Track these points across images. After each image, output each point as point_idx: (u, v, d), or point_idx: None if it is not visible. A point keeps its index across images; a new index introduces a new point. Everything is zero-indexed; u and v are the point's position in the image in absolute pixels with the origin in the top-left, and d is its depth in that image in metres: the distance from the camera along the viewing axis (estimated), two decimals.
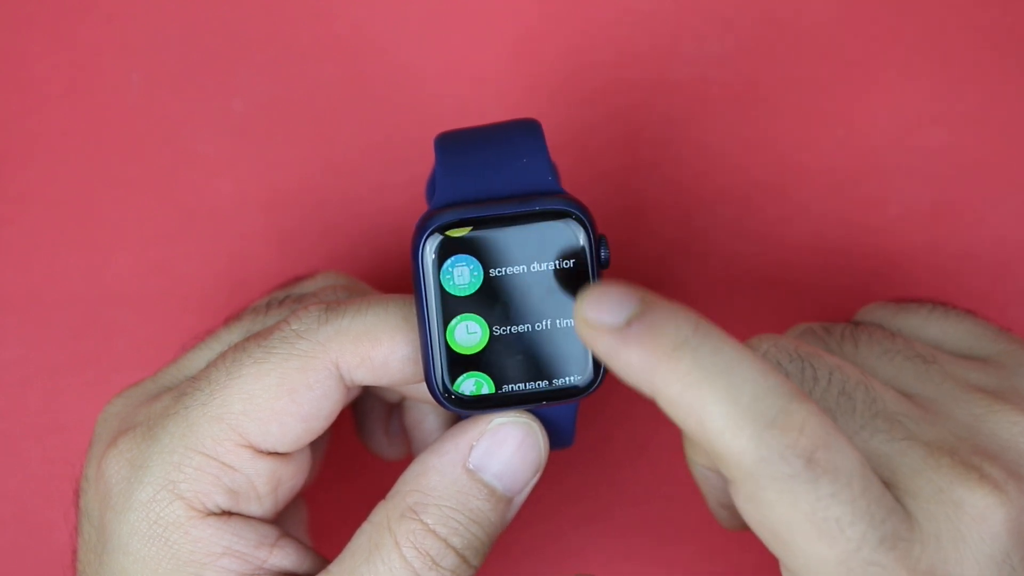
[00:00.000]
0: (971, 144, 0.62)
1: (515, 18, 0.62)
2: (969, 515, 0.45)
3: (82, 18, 0.62)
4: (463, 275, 0.47)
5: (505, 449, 0.49)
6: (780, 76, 0.62)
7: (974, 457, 0.46)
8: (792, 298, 0.62)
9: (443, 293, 0.47)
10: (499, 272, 0.47)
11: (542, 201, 0.47)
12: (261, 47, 0.62)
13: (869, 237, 0.62)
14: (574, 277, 0.47)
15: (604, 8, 0.62)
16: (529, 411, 0.49)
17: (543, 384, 0.48)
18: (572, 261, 0.47)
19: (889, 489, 0.45)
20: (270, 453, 0.49)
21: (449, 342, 0.47)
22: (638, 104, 0.62)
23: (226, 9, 0.62)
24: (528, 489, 0.49)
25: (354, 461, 0.61)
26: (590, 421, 0.62)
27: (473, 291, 0.47)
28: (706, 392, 0.42)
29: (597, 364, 0.48)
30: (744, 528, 0.49)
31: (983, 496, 0.45)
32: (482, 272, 0.47)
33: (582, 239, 0.47)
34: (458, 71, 0.62)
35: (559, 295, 0.47)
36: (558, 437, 0.50)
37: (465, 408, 0.48)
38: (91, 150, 0.62)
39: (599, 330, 0.43)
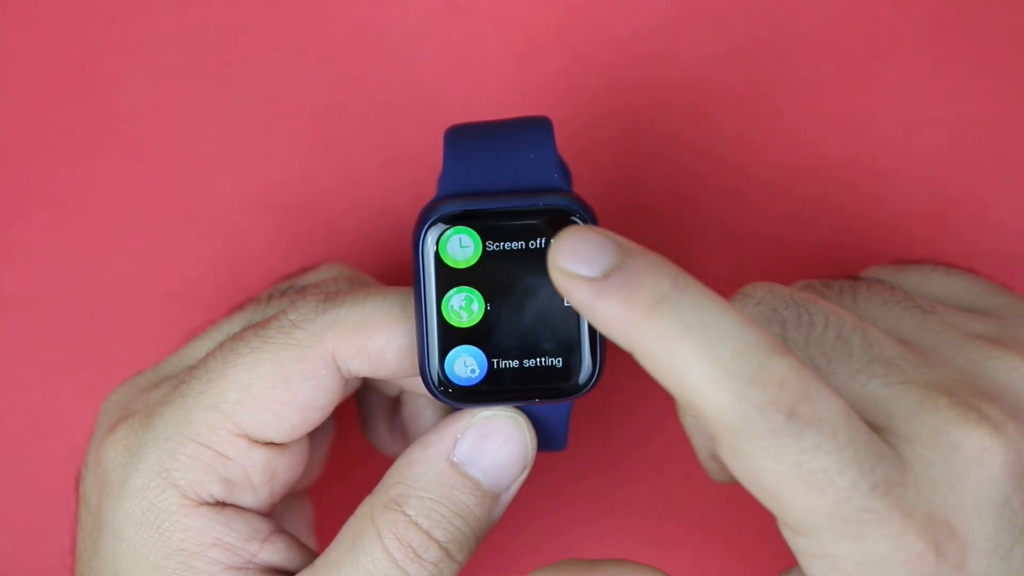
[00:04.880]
0: (971, 144, 0.62)
1: (515, 17, 0.62)
2: (967, 457, 0.44)
3: (82, 18, 0.62)
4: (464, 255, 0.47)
5: (490, 443, 0.48)
6: (780, 76, 0.62)
7: (972, 398, 0.45)
8: None
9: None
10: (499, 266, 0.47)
11: (546, 198, 0.47)
12: (261, 47, 0.62)
13: (869, 237, 0.62)
14: None
15: (604, 8, 0.62)
16: (521, 408, 0.49)
17: (536, 380, 0.48)
18: None
19: (885, 434, 0.45)
20: (265, 443, 0.49)
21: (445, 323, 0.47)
22: (638, 104, 0.62)
23: (226, 9, 0.62)
24: (515, 487, 0.49)
25: (360, 458, 0.61)
26: (589, 420, 0.62)
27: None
28: (686, 349, 0.42)
29: (591, 369, 0.48)
30: (732, 481, 0.48)
31: (981, 437, 0.44)
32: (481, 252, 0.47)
33: None
34: (458, 71, 0.62)
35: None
36: (551, 439, 0.50)
37: (457, 400, 0.48)
38: (91, 150, 0.62)
39: (575, 280, 0.42)
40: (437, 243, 0.47)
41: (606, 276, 0.42)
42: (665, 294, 0.42)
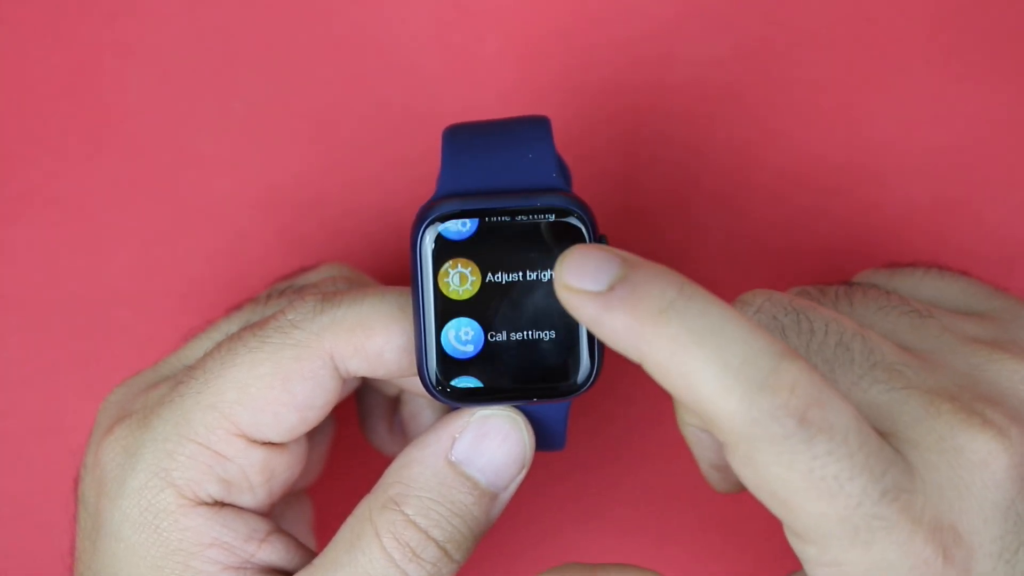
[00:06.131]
0: (971, 144, 0.62)
1: (515, 18, 0.62)
2: (971, 462, 0.44)
3: (82, 18, 0.62)
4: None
5: (488, 442, 0.48)
6: (780, 76, 0.62)
7: (976, 403, 0.45)
8: None
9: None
10: (497, 262, 0.47)
11: (544, 197, 0.47)
12: (261, 47, 0.62)
13: (869, 237, 0.62)
14: None
15: (604, 9, 0.62)
16: (519, 408, 0.49)
17: (535, 381, 0.48)
18: None
19: (889, 439, 0.44)
20: (264, 443, 0.49)
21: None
22: (637, 105, 0.62)
23: (226, 9, 0.62)
24: (514, 486, 0.49)
25: (360, 458, 0.61)
26: (588, 419, 0.62)
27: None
28: (694, 355, 0.41)
29: (590, 368, 0.48)
30: (735, 490, 0.48)
31: (985, 442, 0.44)
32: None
33: (583, 238, 0.47)
34: (458, 71, 0.62)
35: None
36: (550, 438, 0.50)
37: (455, 400, 0.48)
38: (91, 150, 0.62)
39: (581, 296, 0.42)
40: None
41: (611, 289, 0.42)
42: (671, 301, 0.42)
